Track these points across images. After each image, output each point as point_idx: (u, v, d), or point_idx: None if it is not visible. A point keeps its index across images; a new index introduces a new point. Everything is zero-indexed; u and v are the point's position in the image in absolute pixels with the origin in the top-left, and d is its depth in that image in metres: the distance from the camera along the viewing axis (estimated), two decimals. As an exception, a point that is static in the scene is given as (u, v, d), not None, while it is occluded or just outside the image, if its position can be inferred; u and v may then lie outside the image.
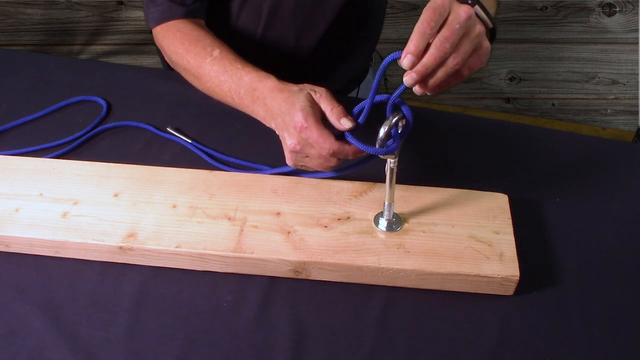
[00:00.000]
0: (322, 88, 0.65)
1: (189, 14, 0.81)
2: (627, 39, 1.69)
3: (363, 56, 1.04)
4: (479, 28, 0.56)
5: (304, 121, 0.61)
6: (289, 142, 0.63)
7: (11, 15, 1.74)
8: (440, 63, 0.55)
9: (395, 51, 0.55)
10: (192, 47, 0.77)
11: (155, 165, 0.72)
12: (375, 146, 0.58)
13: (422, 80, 0.56)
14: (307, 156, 0.63)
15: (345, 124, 0.60)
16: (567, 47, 1.73)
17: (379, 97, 0.59)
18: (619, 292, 0.62)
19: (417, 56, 0.54)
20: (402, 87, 0.57)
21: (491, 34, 0.62)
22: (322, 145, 0.60)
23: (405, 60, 0.54)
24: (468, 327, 0.58)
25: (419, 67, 0.55)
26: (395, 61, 0.55)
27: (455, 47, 0.55)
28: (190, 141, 0.78)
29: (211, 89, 0.76)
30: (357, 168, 0.67)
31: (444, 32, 0.54)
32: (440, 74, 0.56)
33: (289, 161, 0.66)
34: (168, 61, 0.84)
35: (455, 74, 0.57)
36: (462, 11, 0.54)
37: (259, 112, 0.70)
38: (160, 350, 0.56)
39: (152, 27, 0.83)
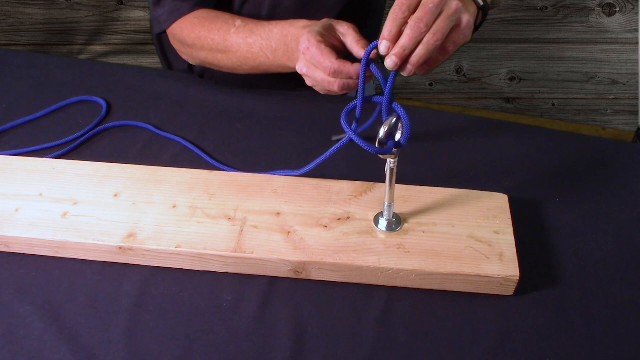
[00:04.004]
0: (349, 24, 0.66)
1: (199, 5, 0.82)
2: (627, 39, 1.69)
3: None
4: (455, 4, 0.57)
5: (307, 42, 0.63)
6: (297, 66, 0.66)
7: (11, 15, 1.74)
8: (418, 42, 0.56)
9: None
10: (213, 25, 0.78)
11: (155, 165, 0.72)
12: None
13: (404, 61, 0.57)
14: (316, 81, 0.65)
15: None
16: (567, 47, 1.73)
17: (376, 99, 0.60)
18: (619, 292, 0.62)
19: (392, 41, 0.56)
20: (391, 79, 0.58)
21: (484, 12, 0.65)
22: (323, 64, 0.62)
23: (381, 47, 0.57)
24: (468, 327, 0.58)
25: (396, 49, 0.56)
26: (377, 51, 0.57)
27: (431, 26, 0.56)
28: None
29: (242, 57, 0.77)
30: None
31: (418, 12, 0.56)
32: (422, 51, 0.57)
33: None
34: (188, 56, 0.85)
35: (441, 51, 0.59)
36: (452, 6, 0.56)
37: (294, 57, 0.71)
38: (160, 350, 0.56)
39: (167, 28, 0.83)
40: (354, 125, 0.61)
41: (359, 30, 0.66)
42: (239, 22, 0.77)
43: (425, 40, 0.56)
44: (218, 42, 0.78)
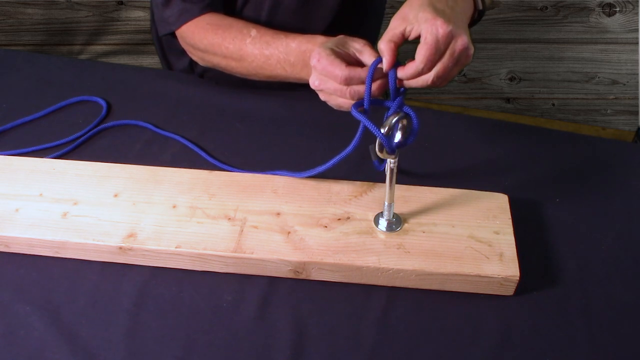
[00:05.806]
0: (364, 40, 0.66)
1: (208, 8, 0.81)
2: (627, 39, 1.69)
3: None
4: (465, 60, 0.60)
5: (318, 55, 0.62)
6: (310, 81, 0.65)
7: (11, 15, 1.74)
8: (425, 85, 0.60)
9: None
10: (227, 33, 0.78)
11: (155, 165, 0.72)
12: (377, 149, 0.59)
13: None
14: (331, 94, 0.64)
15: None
16: (567, 47, 1.73)
17: (387, 103, 0.61)
18: (619, 292, 0.62)
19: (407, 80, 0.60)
20: (398, 99, 0.60)
21: (480, 13, 0.68)
22: (334, 72, 0.61)
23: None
24: (468, 327, 0.58)
25: (402, 78, 0.60)
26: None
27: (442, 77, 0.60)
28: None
29: (257, 67, 0.76)
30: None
31: (440, 69, 0.58)
32: (420, 85, 0.60)
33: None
34: (198, 59, 0.84)
35: None
36: (458, 45, 0.58)
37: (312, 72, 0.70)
38: (160, 350, 0.56)
39: (177, 29, 0.83)
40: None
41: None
42: (254, 32, 0.76)
43: (430, 84, 0.59)
44: (233, 51, 0.77)
